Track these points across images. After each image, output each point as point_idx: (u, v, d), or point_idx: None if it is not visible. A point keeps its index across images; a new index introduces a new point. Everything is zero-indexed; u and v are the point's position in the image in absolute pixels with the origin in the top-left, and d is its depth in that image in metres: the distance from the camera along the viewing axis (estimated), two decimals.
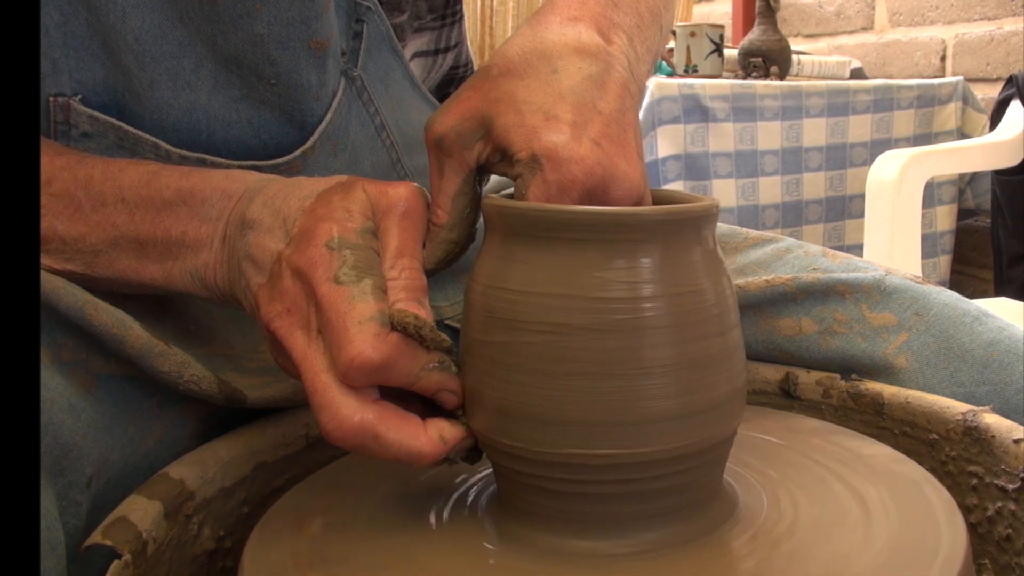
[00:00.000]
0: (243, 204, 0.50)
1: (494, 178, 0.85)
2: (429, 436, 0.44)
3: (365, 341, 0.42)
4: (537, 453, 0.43)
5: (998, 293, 1.95)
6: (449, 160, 0.50)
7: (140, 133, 0.57)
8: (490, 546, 0.45)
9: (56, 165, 0.53)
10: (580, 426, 0.42)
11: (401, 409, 0.44)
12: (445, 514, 0.47)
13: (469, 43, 0.83)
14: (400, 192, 0.48)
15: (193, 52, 0.57)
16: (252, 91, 0.59)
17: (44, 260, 0.52)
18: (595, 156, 0.47)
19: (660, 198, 0.51)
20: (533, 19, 0.53)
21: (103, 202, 0.52)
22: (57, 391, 0.46)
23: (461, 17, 0.79)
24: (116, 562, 0.42)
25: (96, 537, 0.43)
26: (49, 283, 0.49)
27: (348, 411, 0.43)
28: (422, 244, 0.49)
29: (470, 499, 0.49)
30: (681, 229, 0.43)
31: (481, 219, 0.48)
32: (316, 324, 0.44)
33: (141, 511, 0.45)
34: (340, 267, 0.44)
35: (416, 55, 0.76)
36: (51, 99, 0.56)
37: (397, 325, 0.43)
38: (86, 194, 0.52)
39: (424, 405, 0.46)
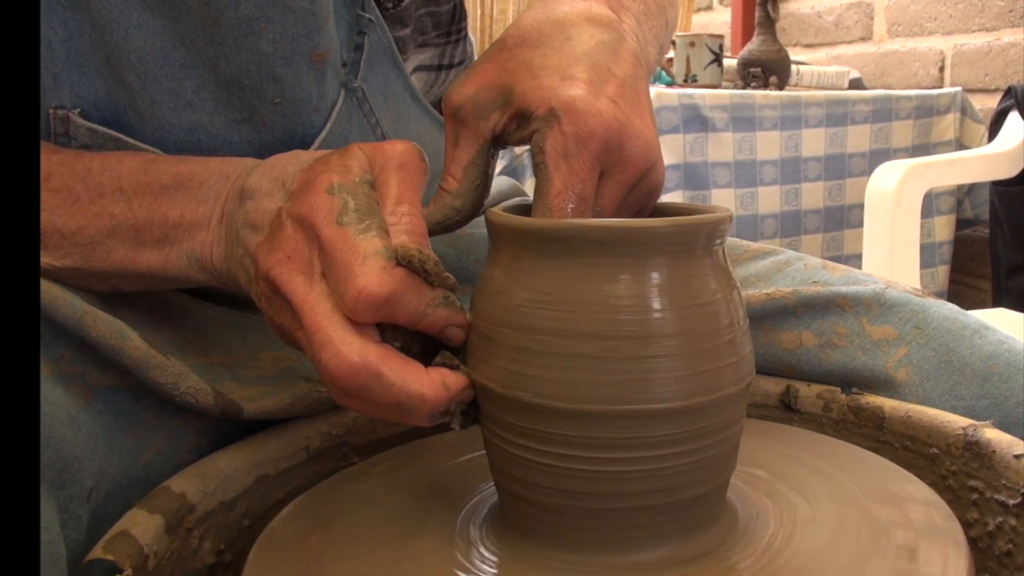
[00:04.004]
0: (241, 179, 0.51)
1: (495, 189, 0.85)
2: (432, 380, 0.43)
3: (371, 274, 0.42)
4: (543, 408, 0.42)
5: (996, 303, 1.95)
6: (464, 130, 0.51)
7: (140, 144, 0.57)
8: (493, 561, 0.45)
9: (53, 161, 0.53)
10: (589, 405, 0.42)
11: (403, 354, 0.44)
12: (447, 529, 0.47)
13: None
14: (396, 147, 0.48)
15: (194, 74, 0.57)
16: (254, 113, 0.59)
17: (43, 257, 0.52)
18: (612, 111, 0.48)
19: (671, 210, 0.51)
20: None
21: (101, 193, 0.53)
22: (57, 404, 0.46)
23: (466, 35, 0.80)
24: None
25: (97, 552, 0.43)
26: (48, 294, 0.49)
27: (350, 349, 0.42)
28: (421, 196, 0.48)
29: (471, 514, 0.49)
30: (691, 242, 0.43)
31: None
32: (319, 269, 0.44)
33: (142, 525, 0.45)
34: (342, 210, 0.44)
35: (418, 69, 0.76)
36: (51, 111, 0.56)
37: (402, 260, 0.43)
38: (84, 186, 0.53)
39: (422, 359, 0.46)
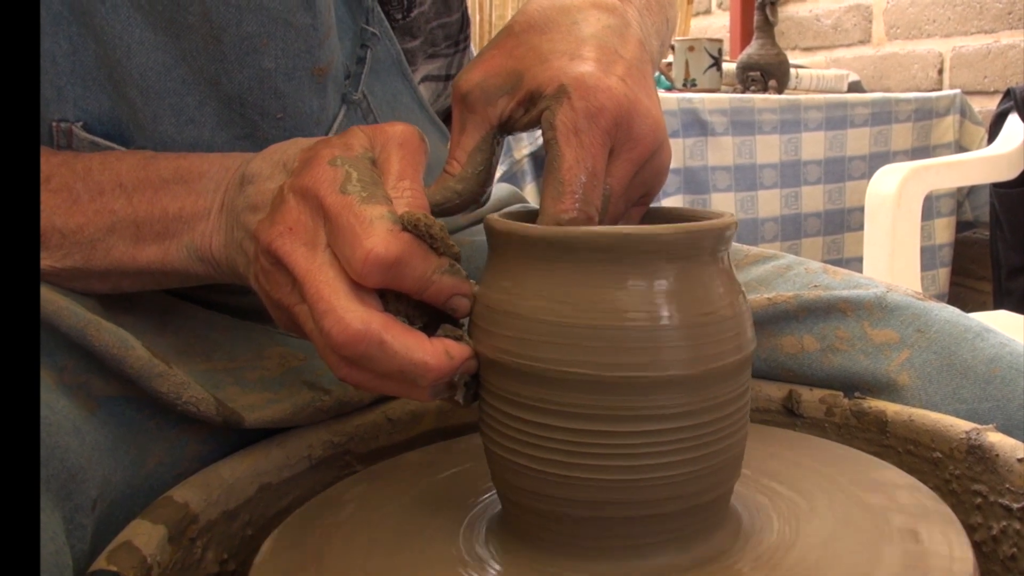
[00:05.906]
0: (242, 168, 0.51)
1: (495, 196, 0.85)
2: (435, 349, 0.43)
3: (377, 236, 0.42)
4: (550, 371, 0.42)
5: (997, 306, 1.95)
6: (472, 116, 0.52)
7: None
8: (497, 569, 0.44)
9: (53, 162, 0.53)
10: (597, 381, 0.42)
11: (405, 324, 0.44)
12: (450, 538, 0.47)
13: None
14: (397, 127, 0.48)
15: (196, 90, 0.57)
16: (256, 129, 0.59)
17: (44, 259, 0.52)
18: (622, 88, 0.48)
19: (675, 216, 0.51)
20: None
21: (101, 191, 0.53)
22: (63, 414, 0.46)
23: (469, 44, 0.80)
24: None
25: (101, 563, 0.43)
26: (51, 304, 0.49)
27: (353, 316, 0.42)
28: (422, 175, 0.48)
29: (474, 523, 0.49)
30: (698, 248, 0.43)
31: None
32: (323, 239, 0.44)
33: (145, 535, 0.45)
34: (345, 180, 0.44)
35: (426, 79, 0.76)
36: (53, 124, 0.56)
37: (408, 225, 0.42)
38: (84, 185, 0.53)
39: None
